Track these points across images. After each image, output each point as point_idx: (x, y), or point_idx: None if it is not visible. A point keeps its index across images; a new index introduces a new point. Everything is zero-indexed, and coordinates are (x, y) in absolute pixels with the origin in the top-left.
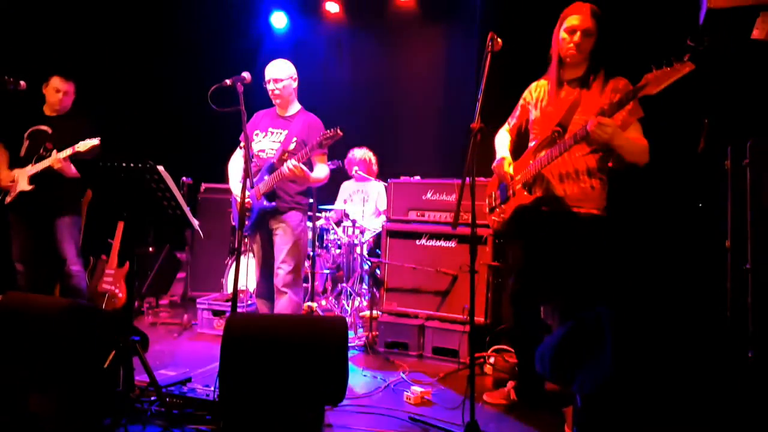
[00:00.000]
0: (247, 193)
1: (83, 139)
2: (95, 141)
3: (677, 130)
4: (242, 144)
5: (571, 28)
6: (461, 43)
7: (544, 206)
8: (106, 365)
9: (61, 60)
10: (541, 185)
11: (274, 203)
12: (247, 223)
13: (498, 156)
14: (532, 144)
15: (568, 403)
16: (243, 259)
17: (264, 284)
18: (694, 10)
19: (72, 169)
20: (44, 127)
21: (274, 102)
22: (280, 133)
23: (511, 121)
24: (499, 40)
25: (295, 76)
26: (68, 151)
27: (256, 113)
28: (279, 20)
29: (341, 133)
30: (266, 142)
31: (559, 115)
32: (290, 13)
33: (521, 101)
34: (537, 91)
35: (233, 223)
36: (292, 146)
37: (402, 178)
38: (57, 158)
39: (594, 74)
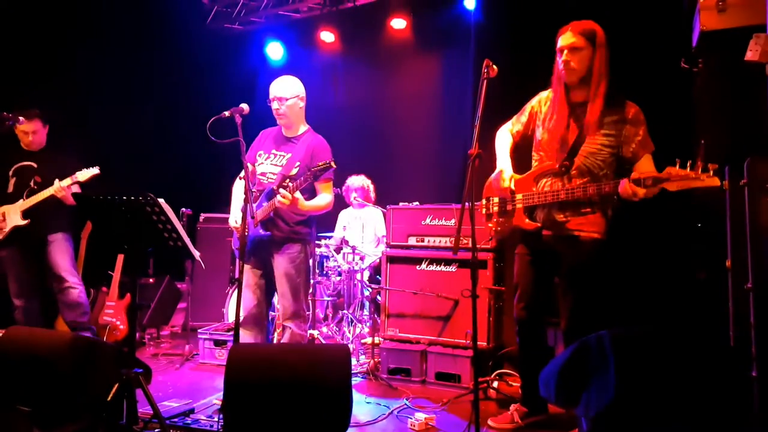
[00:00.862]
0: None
1: (70, 171)
2: (95, 170)
3: (673, 151)
4: (242, 174)
5: (559, 49)
6: (456, 69)
7: (545, 230)
8: (109, 398)
9: (25, 96)
10: (542, 211)
11: (269, 233)
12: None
13: (498, 162)
14: (535, 164)
15: (573, 425)
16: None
17: (252, 313)
18: (687, 33)
19: (71, 198)
20: (29, 163)
21: (278, 122)
22: (283, 157)
23: (517, 124)
24: (494, 67)
25: (303, 94)
26: (69, 180)
27: (262, 131)
28: (275, 51)
29: (334, 166)
30: (268, 165)
31: (565, 142)
32: (286, 44)
33: (530, 108)
34: (546, 104)
35: (234, 249)
36: (294, 171)
37: (401, 204)
38: (60, 186)
39: (597, 95)
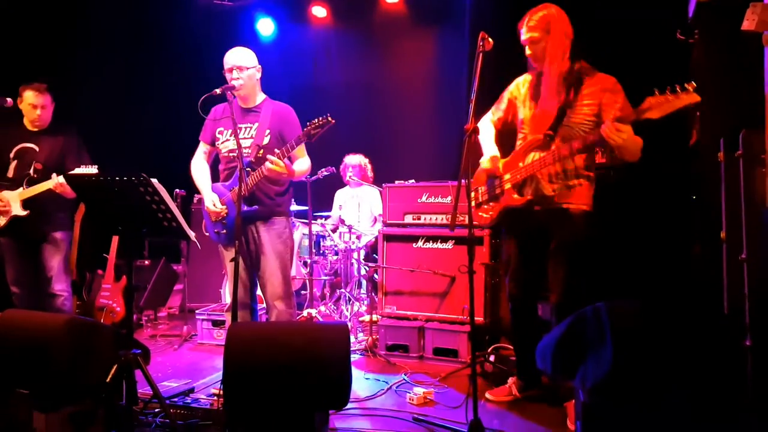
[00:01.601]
0: (222, 206)
1: (72, 157)
2: (93, 170)
3: (669, 124)
4: (220, 150)
5: (522, 43)
6: (451, 43)
7: (535, 206)
8: (108, 379)
9: (34, 69)
10: (530, 186)
11: (255, 206)
12: (223, 232)
13: (485, 151)
14: (520, 142)
15: (570, 397)
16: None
17: (239, 296)
18: (683, 4)
19: (72, 192)
20: (30, 145)
21: (236, 93)
22: (250, 128)
23: (497, 113)
24: (490, 39)
25: (259, 66)
26: (60, 179)
27: (213, 109)
28: (266, 27)
29: (333, 121)
30: (235, 139)
31: (549, 116)
32: (277, 19)
33: (508, 95)
34: (524, 87)
35: (206, 233)
36: (266, 140)
37: (396, 182)
38: (58, 182)
39: (573, 73)
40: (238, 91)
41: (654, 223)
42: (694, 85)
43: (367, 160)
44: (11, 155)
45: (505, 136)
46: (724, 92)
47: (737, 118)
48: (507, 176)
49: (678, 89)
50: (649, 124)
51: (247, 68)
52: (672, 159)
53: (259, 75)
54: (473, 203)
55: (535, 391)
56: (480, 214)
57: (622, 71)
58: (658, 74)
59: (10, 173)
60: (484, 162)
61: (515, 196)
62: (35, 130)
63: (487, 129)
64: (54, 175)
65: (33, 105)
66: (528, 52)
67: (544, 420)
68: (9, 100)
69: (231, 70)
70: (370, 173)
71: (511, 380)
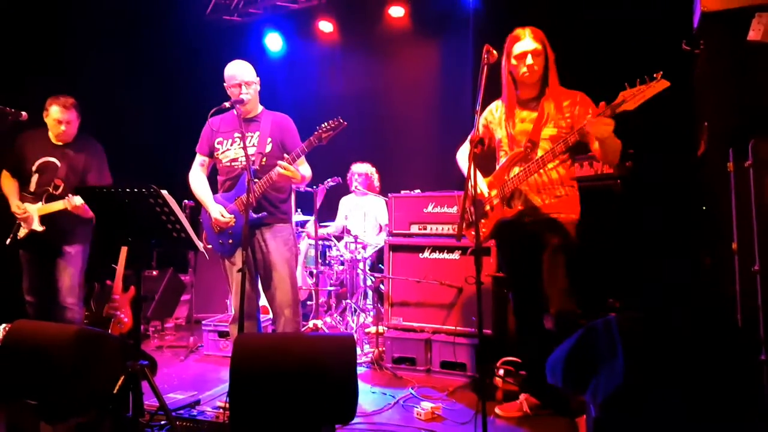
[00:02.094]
0: (230, 216)
1: (93, 175)
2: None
3: (677, 135)
4: (220, 161)
5: (521, 55)
6: (456, 55)
7: (526, 217)
8: (115, 390)
9: (60, 82)
10: (519, 198)
11: (263, 213)
12: (229, 242)
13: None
14: (502, 161)
15: (581, 412)
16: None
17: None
18: (687, 15)
19: (88, 212)
20: (53, 159)
21: (241, 107)
22: (252, 137)
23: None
24: (494, 52)
25: (258, 79)
26: (77, 201)
27: (209, 121)
28: (274, 42)
29: (345, 123)
30: (237, 149)
31: (527, 131)
32: (284, 34)
33: (483, 121)
34: (498, 111)
35: (208, 246)
36: (268, 148)
37: (402, 192)
38: (73, 204)
39: (548, 90)
40: (245, 105)
41: (663, 234)
42: (662, 72)
43: (374, 170)
44: (34, 168)
45: (484, 158)
46: (731, 102)
47: (745, 127)
48: (494, 192)
49: (647, 79)
50: (657, 134)
51: (253, 83)
52: (681, 169)
53: (258, 87)
54: (463, 225)
55: (548, 410)
56: (471, 233)
57: (609, 71)
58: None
59: (32, 187)
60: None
61: (505, 208)
62: (59, 143)
63: (463, 155)
64: (70, 195)
65: (58, 120)
66: (529, 62)
67: None
68: (24, 114)
69: (239, 85)
70: (376, 183)
71: (522, 397)
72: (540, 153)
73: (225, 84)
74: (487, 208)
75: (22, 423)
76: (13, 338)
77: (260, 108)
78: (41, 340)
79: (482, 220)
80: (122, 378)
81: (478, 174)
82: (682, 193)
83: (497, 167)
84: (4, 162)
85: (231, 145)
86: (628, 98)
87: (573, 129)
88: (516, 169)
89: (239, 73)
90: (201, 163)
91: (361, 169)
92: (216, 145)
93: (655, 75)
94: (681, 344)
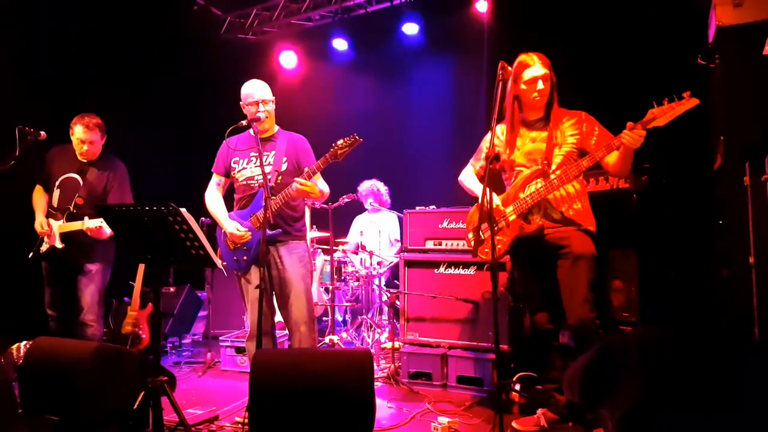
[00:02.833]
0: (244, 229)
1: (114, 194)
2: (97, 222)
3: (693, 149)
4: (236, 180)
5: (531, 80)
6: (470, 71)
7: (547, 230)
8: (135, 406)
9: (85, 97)
10: (538, 213)
11: (278, 230)
12: (244, 258)
13: (477, 191)
14: (515, 179)
15: (598, 425)
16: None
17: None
18: (703, 29)
19: (105, 234)
20: (75, 176)
21: (258, 125)
22: (267, 156)
23: (477, 163)
24: (509, 68)
25: (274, 98)
26: (98, 222)
27: (225, 141)
28: (288, 60)
29: (361, 140)
30: (253, 168)
31: (541, 150)
32: (299, 53)
33: (488, 144)
34: (504, 135)
35: (224, 263)
36: (284, 167)
37: (417, 208)
38: (88, 227)
39: (553, 112)
40: (262, 123)
41: (680, 248)
42: (689, 92)
43: (381, 184)
44: (57, 183)
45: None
46: (747, 116)
47: (761, 141)
48: (510, 209)
49: (675, 98)
50: (673, 148)
51: (269, 101)
52: (697, 183)
53: (274, 107)
54: (472, 243)
55: (567, 425)
56: (485, 250)
57: (624, 88)
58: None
59: (54, 202)
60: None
61: (524, 224)
62: (84, 160)
63: (471, 177)
64: (86, 217)
65: (81, 140)
66: (540, 88)
67: None
68: (43, 133)
69: (256, 103)
70: (385, 197)
71: (540, 411)
72: (555, 168)
73: (241, 102)
74: (502, 224)
75: None
76: (35, 355)
77: (276, 128)
78: (62, 357)
79: (497, 237)
80: (142, 394)
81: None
82: (698, 207)
83: (509, 186)
84: (37, 177)
85: (247, 164)
86: (659, 115)
87: (583, 147)
88: (533, 186)
89: (256, 91)
90: (217, 182)
91: (368, 186)
92: (232, 165)
93: (683, 94)
94: (698, 360)
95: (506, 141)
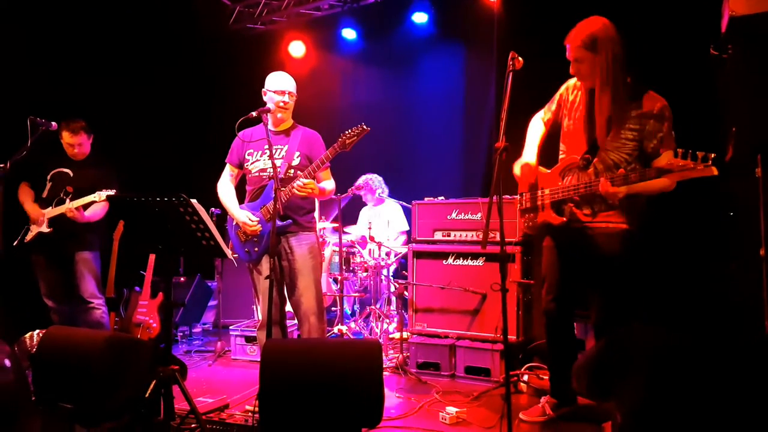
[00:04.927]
0: (255, 219)
1: (101, 187)
2: (111, 192)
3: (704, 140)
4: (249, 171)
5: (568, 58)
6: (479, 61)
7: (575, 223)
8: (147, 395)
9: (71, 101)
10: (568, 205)
11: (288, 221)
12: (255, 249)
13: (525, 151)
14: (562, 156)
15: (607, 417)
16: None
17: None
18: (716, 19)
19: (84, 217)
20: (66, 170)
21: (278, 115)
22: (281, 149)
23: (547, 113)
24: (520, 59)
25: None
26: (81, 201)
27: (241, 133)
28: (297, 50)
29: (368, 129)
30: (266, 160)
31: (590, 138)
32: (308, 42)
33: (558, 96)
34: (573, 93)
35: (234, 255)
36: (296, 161)
37: (426, 199)
38: (69, 207)
39: (621, 91)
40: (273, 113)
41: (689, 240)
42: (714, 155)
43: (373, 176)
44: (48, 177)
45: (552, 137)
46: (760, 107)
47: None
48: (547, 191)
49: (699, 156)
50: (684, 141)
51: (295, 94)
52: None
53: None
54: (518, 208)
55: (568, 409)
56: (523, 221)
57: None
58: (689, 91)
59: (44, 193)
60: (517, 166)
61: (554, 215)
62: (73, 159)
63: (536, 128)
64: (68, 200)
65: (69, 144)
66: (573, 71)
67: None
68: (54, 123)
69: (284, 93)
70: (382, 187)
71: (543, 399)
72: (598, 162)
73: (264, 89)
74: (539, 203)
75: (58, 426)
76: (48, 344)
77: (290, 122)
78: (75, 346)
79: (530, 214)
80: (154, 382)
81: (533, 158)
82: (709, 199)
83: (558, 162)
84: (25, 174)
85: (261, 156)
86: (675, 168)
87: (641, 143)
88: (572, 176)
89: (288, 83)
90: (231, 174)
91: (362, 182)
92: (246, 156)
93: (708, 155)
94: (706, 354)
95: (571, 103)
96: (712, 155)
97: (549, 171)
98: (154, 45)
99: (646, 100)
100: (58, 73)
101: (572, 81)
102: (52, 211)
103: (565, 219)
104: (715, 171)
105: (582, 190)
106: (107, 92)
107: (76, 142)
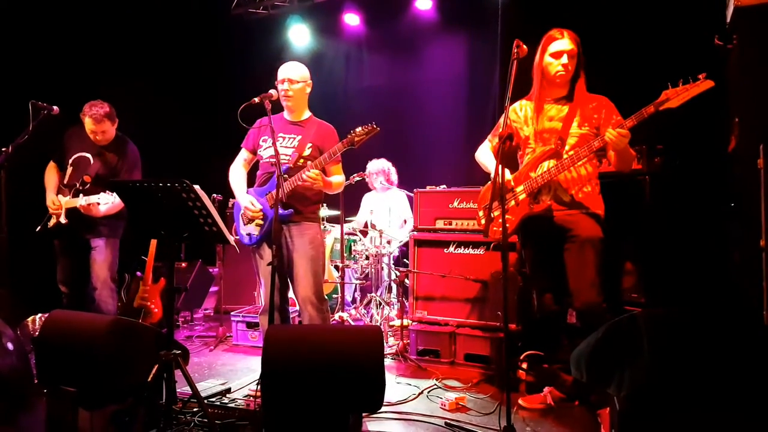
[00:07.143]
0: (259, 206)
1: (123, 176)
2: (114, 198)
3: (708, 131)
4: (261, 157)
5: (557, 53)
6: (483, 49)
7: (555, 212)
8: (150, 379)
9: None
10: (547, 193)
11: (290, 210)
12: (255, 234)
13: (491, 169)
14: (528, 156)
15: (604, 404)
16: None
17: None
18: (720, 9)
19: (99, 212)
20: (87, 155)
21: (284, 104)
22: (293, 138)
23: (493, 139)
24: (524, 46)
25: (310, 81)
26: (92, 199)
27: (258, 120)
28: (299, 35)
29: (378, 129)
30: (278, 147)
31: (556, 129)
32: (310, 28)
33: (504, 120)
34: (522, 110)
35: (236, 237)
36: (307, 152)
37: (428, 187)
38: (81, 204)
39: (577, 92)
40: (287, 99)
41: (691, 230)
42: (705, 73)
43: (389, 164)
44: (70, 161)
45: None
46: (763, 98)
47: None
48: (520, 188)
49: (690, 79)
50: (687, 130)
51: (297, 81)
52: (710, 165)
53: (308, 90)
54: (482, 221)
55: (573, 403)
56: (494, 228)
57: (641, 68)
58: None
59: (66, 179)
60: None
61: (533, 204)
62: (97, 144)
63: (487, 153)
64: (81, 195)
65: (92, 131)
66: (564, 62)
67: (577, 428)
68: (56, 108)
69: (283, 81)
70: (393, 176)
71: (547, 389)
72: (569, 149)
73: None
74: (512, 203)
75: (62, 409)
76: (50, 327)
77: (307, 113)
78: (78, 330)
79: (506, 216)
80: (156, 367)
81: (506, 170)
82: (711, 189)
83: (521, 165)
84: (53, 154)
85: (273, 143)
86: (672, 96)
87: (599, 131)
88: (545, 165)
89: (284, 69)
90: (244, 158)
91: (377, 166)
92: (260, 142)
93: (699, 76)
94: (707, 342)
95: (524, 118)
96: (702, 74)
97: (517, 172)
98: (155, 30)
99: (593, 98)
100: (59, 61)
101: (517, 104)
102: (68, 203)
103: (549, 203)
104: (712, 82)
105: (568, 163)
106: (105, 78)
107: (99, 130)
